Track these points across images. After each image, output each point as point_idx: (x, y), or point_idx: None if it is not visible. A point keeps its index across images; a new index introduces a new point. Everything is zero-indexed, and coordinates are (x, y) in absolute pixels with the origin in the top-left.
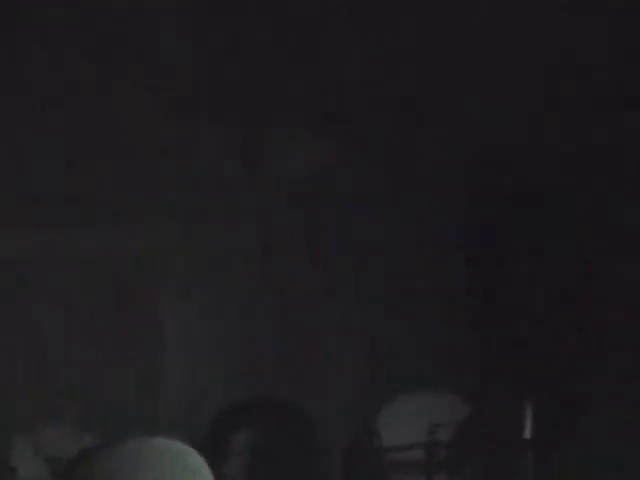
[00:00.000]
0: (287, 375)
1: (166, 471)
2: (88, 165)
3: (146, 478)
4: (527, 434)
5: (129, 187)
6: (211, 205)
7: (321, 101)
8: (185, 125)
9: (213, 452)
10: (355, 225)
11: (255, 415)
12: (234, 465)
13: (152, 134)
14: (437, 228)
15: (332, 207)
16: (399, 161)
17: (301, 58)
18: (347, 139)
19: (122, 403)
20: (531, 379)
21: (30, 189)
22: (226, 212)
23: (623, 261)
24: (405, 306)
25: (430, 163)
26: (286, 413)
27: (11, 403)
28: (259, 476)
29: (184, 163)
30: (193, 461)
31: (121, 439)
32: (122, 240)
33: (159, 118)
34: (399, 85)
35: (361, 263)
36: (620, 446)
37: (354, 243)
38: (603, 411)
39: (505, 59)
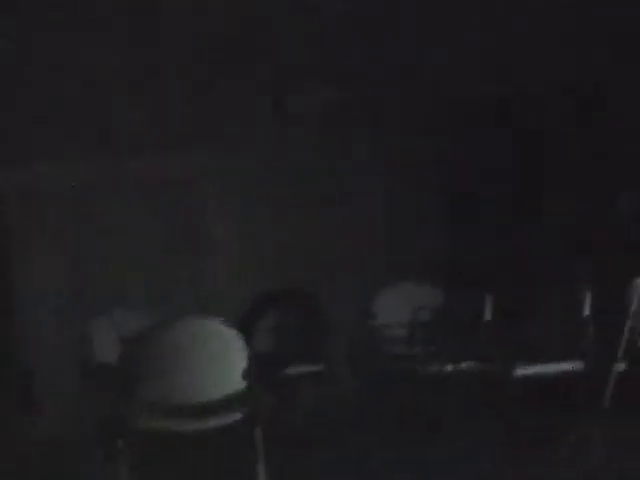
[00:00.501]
0: (304, 268)
1: (211, 344)
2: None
3: (197, 349)
4: (487, 316)
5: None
6: (246, 136)
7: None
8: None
9: (246, 331)
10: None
11: (276, 301)
12: (262, 341)
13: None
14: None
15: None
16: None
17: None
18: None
19: (178, 291)
20: (491, 272)
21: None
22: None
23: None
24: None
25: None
26: (302, 300)
27: (91, 292)
28: (282, 350)
29: (226, 104)
30: (234, 337)
31: (175, 319)
32: (177, 164)
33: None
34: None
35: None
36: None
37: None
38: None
39: None
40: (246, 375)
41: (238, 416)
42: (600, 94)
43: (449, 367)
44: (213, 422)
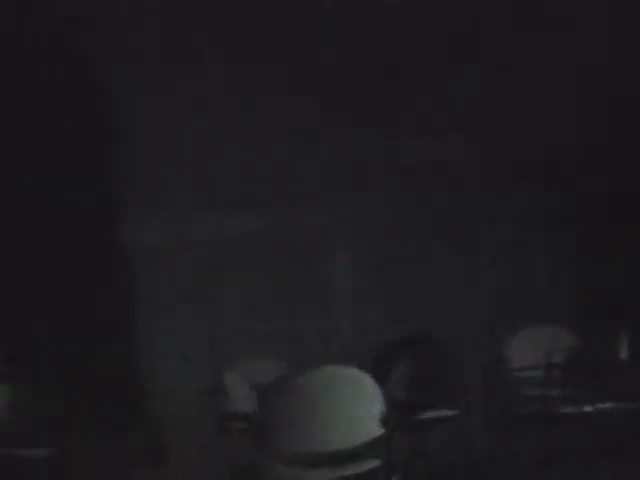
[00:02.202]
0: (434, 315)
1: (347, 391)
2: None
3: (332, 399)
4: (624, 357)
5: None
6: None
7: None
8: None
9: (380, 377)
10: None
11: (411, 348)
12: (395, 388)
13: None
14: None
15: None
16: None
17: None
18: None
19: (305, 339)
20: (626, 313)
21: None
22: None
23: None
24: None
25: None
26: (434, 346)
27: (225, 344)
28: (416, 396)
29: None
30: (369, 384)
31: (310, 367)
32: (304, 217)
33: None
34: None
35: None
36: None
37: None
38: None
39: None
40: (384, 422)
41: (375, 464)
42: None
43: (587, 408)
44: (350, 471)
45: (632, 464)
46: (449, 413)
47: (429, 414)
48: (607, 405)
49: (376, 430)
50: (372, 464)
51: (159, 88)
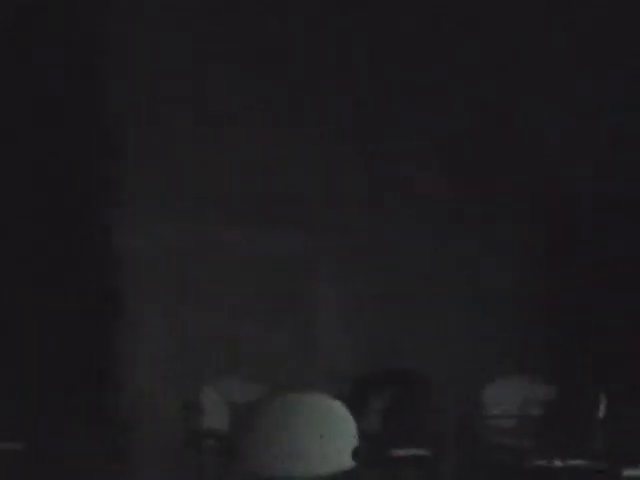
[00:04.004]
0: (413, 352)
1: (321, 419)
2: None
3: (305, 426)
4: (601, 413)
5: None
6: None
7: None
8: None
9: (356, 409)
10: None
11: (389, 381)
12: (370, 420)
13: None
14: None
15: None
16: None
17: None
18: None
19: (285, 362)
20: (604, 367)
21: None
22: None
23: None
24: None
25: None
26: (413, 382)
27: (202, 360)
28: (391, 429)
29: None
30: (342, 413)
31: (285, 391)
32: (286, 241)
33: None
34: None
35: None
36: None
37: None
38: None
39: None
40: (355, 455)
41: None
42: None
43: (557, 462)
44: None
45: None
46: (421, 453)
47: (401, 452)
48: (577, 462)
49: (346, 462)
50: None
51: (153, 92)
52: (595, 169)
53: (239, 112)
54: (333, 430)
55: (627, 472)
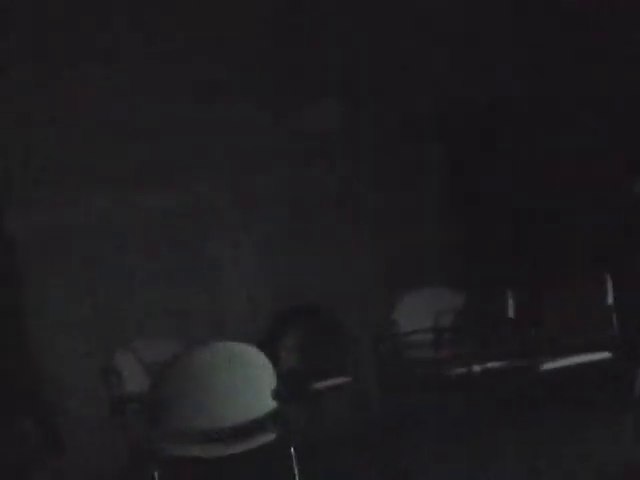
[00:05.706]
0: (321, 286)
1: (238, 367)
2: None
3: (224, 373)
4: (509, 314)
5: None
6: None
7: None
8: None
9: (270, 351)
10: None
11: (299, 319)
12: (286, 359)
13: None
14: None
15: None
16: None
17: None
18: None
19: (198, 316)
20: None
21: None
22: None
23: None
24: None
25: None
26: (322, 315)
27: (116, 323)
28: (307, 366)
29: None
30: (259, 358)
31: (200, 344)
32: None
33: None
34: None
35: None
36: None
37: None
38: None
39: None
40: (276, 395)
41: (271, 437)
42: None
43: (476, 368)
44: (246, 445)
45: (521, 420)
46: (341, 381)
47: (321, 383)
48: (495, 364)
49: (269, 403)
50: (268, 438)
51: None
52: None
53: None
54: (251, 375)
55: (545, 366)
